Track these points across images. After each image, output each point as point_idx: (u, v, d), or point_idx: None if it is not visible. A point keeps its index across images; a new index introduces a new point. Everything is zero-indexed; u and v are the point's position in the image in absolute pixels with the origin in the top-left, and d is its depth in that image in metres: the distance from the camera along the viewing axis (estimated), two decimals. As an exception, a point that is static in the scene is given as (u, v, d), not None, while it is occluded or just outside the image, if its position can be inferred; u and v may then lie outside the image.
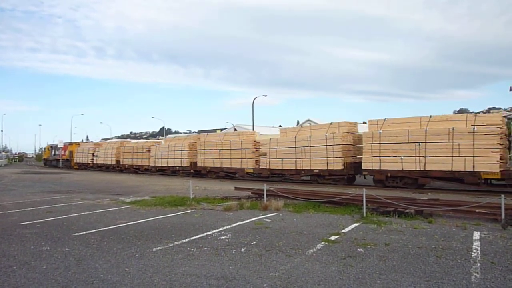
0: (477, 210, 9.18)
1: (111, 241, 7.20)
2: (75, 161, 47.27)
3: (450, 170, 15.79)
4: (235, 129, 48.70)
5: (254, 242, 6.99)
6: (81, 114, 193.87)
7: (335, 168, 19.38)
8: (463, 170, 15.42)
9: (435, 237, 7.27)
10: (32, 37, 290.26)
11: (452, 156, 15.72)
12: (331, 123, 21.44)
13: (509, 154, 17.09)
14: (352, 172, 19.64)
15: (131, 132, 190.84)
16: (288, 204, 11.53)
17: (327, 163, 19.64)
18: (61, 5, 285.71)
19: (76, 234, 7.92)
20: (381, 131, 17.93)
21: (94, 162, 42.89)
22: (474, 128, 15.32)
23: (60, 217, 10.26)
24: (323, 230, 7.97)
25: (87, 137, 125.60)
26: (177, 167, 30.26)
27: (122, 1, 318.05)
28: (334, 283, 4.79)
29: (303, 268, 5.40)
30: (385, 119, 18.50)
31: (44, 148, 70.10)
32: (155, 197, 14.52)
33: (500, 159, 14.89)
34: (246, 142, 24.82)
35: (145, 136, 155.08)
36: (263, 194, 12.09)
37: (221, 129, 63.31)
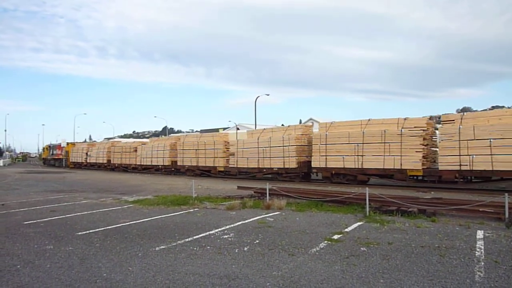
0: (480, 209, 9.16)
1: (114, 240, 7.22)
2: (70, 160, 49.29)
3: (382, 167, 17.57)
4: (238, 129, 48.69)
5: (257, 241, 7.00)
6: (84, 114, 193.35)
7: (290, 167, 21.16)
8: (393, 167, 17.19)
9: (439, 236, 7.25)
10: (34, 37, 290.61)
11: (384, 155, 17.47)
12: (288, 126, 23.67)
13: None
14: (305, 170, 21.27)
15: (134, 132, 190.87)
16: (290, 203, 11.52)
17: (284, 162, 21.40)
18: (63, 5, 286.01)
19: (80, 233, 7.95)
20: (327, 133, 19.66)
21: (88, 161, 45.02)
22: (402, 130, 17.03)
23: (64, 216, 10.30)
24: (326, 229, 7.97)
25: (90, 136, 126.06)
26: (160, 166, 32.45)
27: (122, 1, 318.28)
28: (337, 282, 4.79)
29: (306, 267, 5.40)
30: (332, 122, 20.38)
31: (43, 148, 70.70)
32: (158, 196, 14.55)
33: (424, 158, 16.55)
34: (218, 143, 26.85)
35: (147, 136, 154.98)
36: (266, 193, 12.10)
37: (224, 128, 63.34)
